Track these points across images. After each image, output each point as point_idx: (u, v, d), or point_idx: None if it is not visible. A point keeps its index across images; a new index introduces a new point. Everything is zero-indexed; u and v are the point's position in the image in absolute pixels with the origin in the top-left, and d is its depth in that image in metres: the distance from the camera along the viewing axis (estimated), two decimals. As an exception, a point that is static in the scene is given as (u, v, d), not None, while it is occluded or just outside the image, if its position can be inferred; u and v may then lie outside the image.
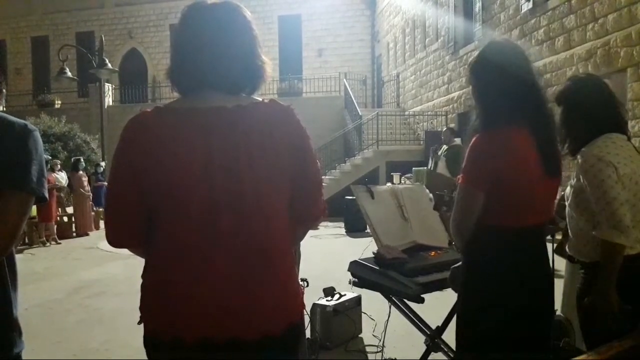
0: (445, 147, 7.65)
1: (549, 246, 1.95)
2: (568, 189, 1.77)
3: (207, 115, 1.04)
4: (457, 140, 7.75)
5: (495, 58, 1.51)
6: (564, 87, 1.80)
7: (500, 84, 1.49)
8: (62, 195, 8.79)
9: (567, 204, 1.79)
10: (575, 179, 1.72)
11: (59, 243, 8.07)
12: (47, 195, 1.14)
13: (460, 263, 1.67)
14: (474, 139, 1.49)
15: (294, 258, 1.15)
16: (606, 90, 1.77)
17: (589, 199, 1.66)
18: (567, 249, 1.86)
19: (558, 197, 1.79)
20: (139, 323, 1.08)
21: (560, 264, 2.55)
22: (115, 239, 1.09)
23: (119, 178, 1.06)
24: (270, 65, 1.13)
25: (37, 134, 1.13)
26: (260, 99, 1.11)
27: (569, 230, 1.81)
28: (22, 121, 1.13)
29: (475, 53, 1.61)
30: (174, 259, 1.02)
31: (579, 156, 1.69)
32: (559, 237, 2.49)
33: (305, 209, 1.14)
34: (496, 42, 1.62)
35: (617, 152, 1.63)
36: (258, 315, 1.03)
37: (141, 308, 1.07)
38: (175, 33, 1.11)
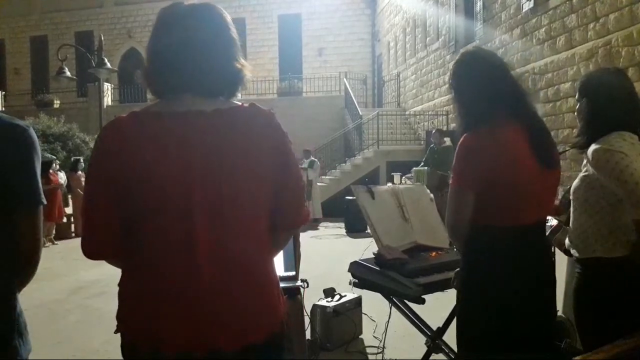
0: (433, 148, 7.69)
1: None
2: (576, 182, 1.76)
3: (186, 120, 1.01)
4: (447, 141, 7.78)
5: (473, 62, 1.58)
6: (589, 78, 1.77)
7: (479, 85, 1.53)
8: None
9: (572, 198, 1.78)
10: (585, 173, 1.70)
11: (55, 244, 8.06)
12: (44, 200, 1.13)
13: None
14: (461, 140, 1.50)
15: (274, 266, 1.12)
16: (630, 87, 1.75)
17: (600, 194, 1.63)
18: (566, 242, 1.85)
19: (562, 191, 1.77)
20: (116, 332, 1.05)
21: (559, 263, 2.54)
22: (91, 251, 1.06)
23: (95, 189, 1.03)
24: (249, 69, 1.10)
25: (31, 132, 1.09)
26: (240, 103, 1.08)
27: (571, 223, 1.80)
28: (15, 121, 1.08)
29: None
30: (153, 270, 1.00)
31: (588, 152, 1.66)
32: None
33: (288, 215, 1.11)
34: (471, 50, 1.70)
35: (628, 148, 1.61)
36: (238, 326, 1.01)
37: (119, 317, 1.05)
38: (151, 34, 1.08)
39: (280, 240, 1.17)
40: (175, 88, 1.05)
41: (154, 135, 1.00)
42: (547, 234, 2.04)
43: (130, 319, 1.03)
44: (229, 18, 1.09)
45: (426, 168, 7.83)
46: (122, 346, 1.05)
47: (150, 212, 0.99)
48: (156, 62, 1.06)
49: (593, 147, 1.65)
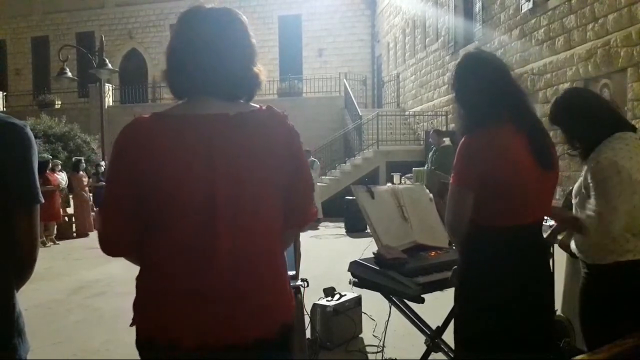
0: (434, 148, 7.70)
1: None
2: (577, 186, 1.77)
3: (210, 122, 1.04)
4: (447, 141, 7.78)
5: (474, 64, 1.60)
6: (558, 99, 1.84)
7: (481, 86, 1.54)
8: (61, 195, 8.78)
9: (574, 201, 1.79)
10: (584, 179, 1.72)
11: (57, 244, 8.07)
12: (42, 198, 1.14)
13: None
14: (462, 140, 1.52)
15: (285, 261, 1.16)
16: (599, 95, 1.82)
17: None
18: (571, 245, 1.86)
19: (560, 192, 1.80)
20: (132, 325, 1.07)
21: (559, 263, 2.55)
22: (108, 247, 1.08)
23: (115, 186, 1.05)
24: (264, 73, 1.13)
25: (28, 131, 1.10)
26: (258, 106, 1.11)
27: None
28: (11, 120, 1.09)
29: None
30: (173, 265, 1.02)
31: (591, 158, 1.68)
32: (560, 237, 2.49)
33: (298, 213, 1.15)
34: (473, 52, 1.73)
35: (630, 156, 1.62)
36: (252, 319, 1.03)
37: (136, 309, 1.07)
38: (173, 36, 1.10)
39: (289, 237, 1.20)
40: (196, 91, 1.08)
41: (176, 136, 1.02)
42: (548, 233, 2.06)
43: (146, 314, 1.05)
44: (247, 23, 1.12)
45: (425, 168, 7.85)
46: (137, 341, 1.07)
47: (171, 211, 1.01)
48: (177, 65, 1.08)
49: (600, 155, 1.65)
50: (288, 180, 1.09)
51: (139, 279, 1.08)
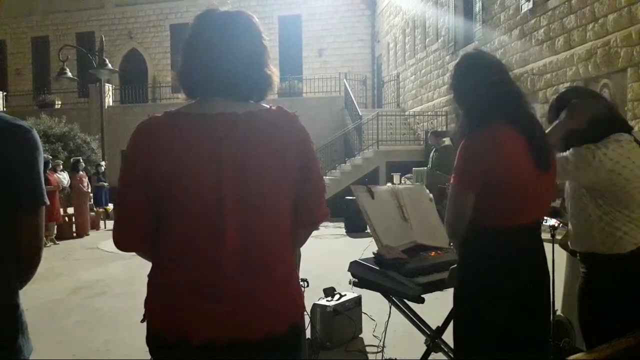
0: (435, 148, 7.69)
1: (547, 245, 1.96)
2: (567, 183, 1.78)
3: (218, 121, 1.06)
4: (447, 141, 7.79)
5: (473, 64, 1.61)
6: (554, 98, 1.83)
7: (480, 87, 1.55)
8: (62, 195, 8.78)
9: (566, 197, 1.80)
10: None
11: (57, 244, 8.07)
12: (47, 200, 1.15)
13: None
14: (463, 141, 1.52)
15: (295, 260, 1.17)
16: (598, 94, 1.82)
17: (582, 191, 1.68)
18: (569, 243, 1.86)
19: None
20: (142, 321, 1.09)
21: (560, 263, 2.55)
22: (124, 244, 1.11)
23: (128, 184, 1.07)
24: (277, 75, 1.16)
25: (34, 134, 1.11)
26: (268, 106, 1.13)
27: (569, 224, 1.82)
28: (18, 122, 1.10)
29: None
30: (182, 261, 1.04)
31: (583, 146, 1.68)
32: (559, 236, 2.49)
33: (309, 212, 1.16)
34: (472, 52, 1.74)
35: (618, 160, 1.62)
36: (261, 317, 1.05)
37: (146, 306, 1.09)
38: (187, 38, 1.13)
39: (301, 237, 1.22)
40: (208, 91, 1.10)
41: (187, 135, 1.04)
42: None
43: (157, 309, 1.07)
44: (260, 26, 1.15)
45: (425, 168, 7.84)
46: (147, 335, 1.08)
47: (181, 208, 1.03)
48: (190, 66, 1.11)
49: (591, 146, 1.65)
50: (297, 179, 1.10)
51: (150, 275, 1.10)
